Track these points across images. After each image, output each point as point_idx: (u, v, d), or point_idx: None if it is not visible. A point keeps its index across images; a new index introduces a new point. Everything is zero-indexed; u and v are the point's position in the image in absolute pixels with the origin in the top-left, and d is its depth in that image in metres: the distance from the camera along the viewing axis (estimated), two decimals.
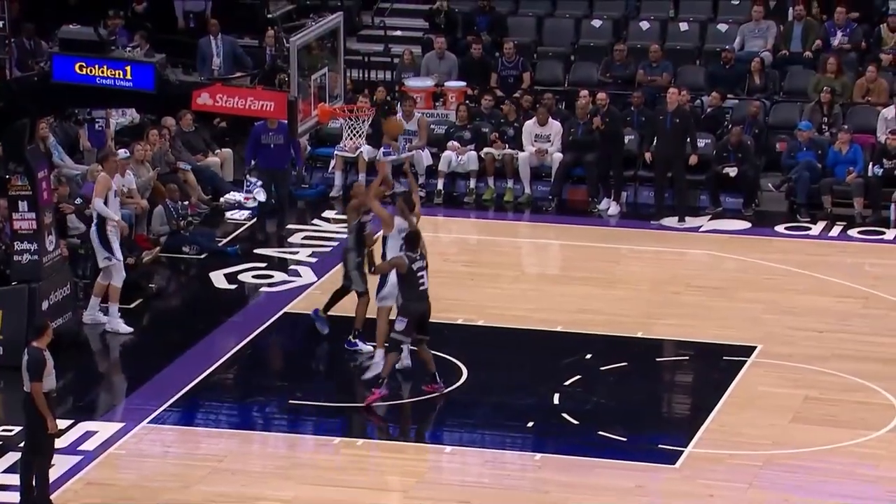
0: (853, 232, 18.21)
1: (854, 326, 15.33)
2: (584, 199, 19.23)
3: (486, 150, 19.54)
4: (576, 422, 13.36)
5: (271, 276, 17.01)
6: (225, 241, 17.88)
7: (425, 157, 19.62)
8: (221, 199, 18.80)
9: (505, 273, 17.00)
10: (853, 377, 14.13)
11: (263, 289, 16.62)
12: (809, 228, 18.38)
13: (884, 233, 18.16)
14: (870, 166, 18.58)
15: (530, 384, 14.10)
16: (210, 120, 19.74)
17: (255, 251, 17.69)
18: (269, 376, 14.83)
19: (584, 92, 19.44)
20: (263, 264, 17.30)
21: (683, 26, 21.16)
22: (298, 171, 18.29)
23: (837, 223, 18.40)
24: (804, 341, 14.96)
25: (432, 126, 19.97)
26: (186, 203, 18.03)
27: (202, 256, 17.50)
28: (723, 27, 21.02)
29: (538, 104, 19.72)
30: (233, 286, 16.78)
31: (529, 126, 19.55)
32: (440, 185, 19.51)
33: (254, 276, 16.98)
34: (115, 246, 14.91)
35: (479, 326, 15.57)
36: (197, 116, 19.11)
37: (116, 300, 15.00)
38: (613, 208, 19.03)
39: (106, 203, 14.90)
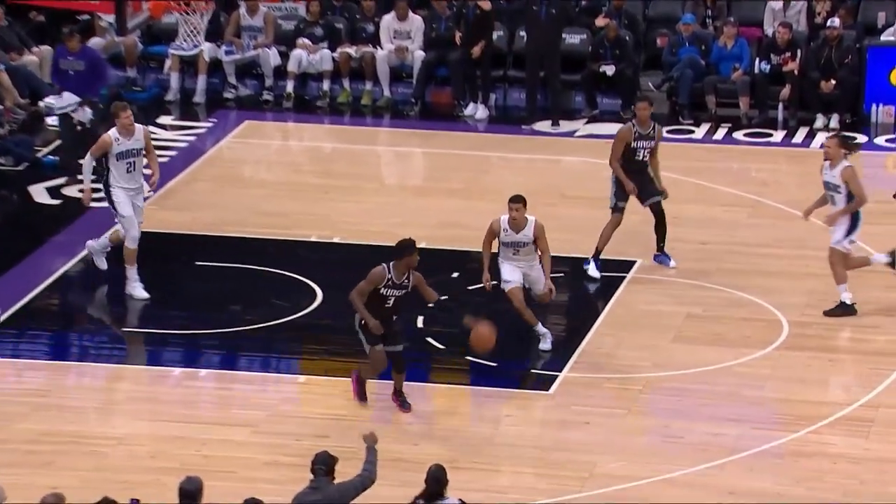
0: (739, 134, 18.47)
1: (740, 237, 15.60)
2: (448, 101, 19.20)
3: (340, 48, 19.36)
4: (442, 346, 13.42)
5: (100, 190, 16.73)
6: (46, 150, 17.50)
7: (273, 56, 19.37)
8: (41, 103, 18.32)
9: (363, 185, 16.94)
10: (738, 292, 14.39)
11: (92, 205, 16.37)
12: (693, 131, 18.60)
13: (771, 135, 18.46)
14: (756, 62, 18.84)
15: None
16: (25, 14, 19.21)
17: (82, 161, 17.37)
18: (98, 302, 14.61)
19: None
20: (92, 177, 17.00)
21: None
22: (95, 105, 17.52)
23: (722, 125, 18.66)
24: (687, 254, 15.15)
25: (280, 22, 19.70)
26: (1, 107, 17.57)
27: (19, 168, 17.12)
28: None
29: None
30: (56, 201, 16.46)
31: (388, 21, 19.39)
32: (290, 88, 19.30)
33: (80, 191, 16.69)
34: (121, 200, 14.18)
35: (335, 244, 15.51)
36: (9, 10, 18.58)
37: (131, 263, 14.28)
38: (481, 112, 19.04)
39: (107, 162, 14.13)
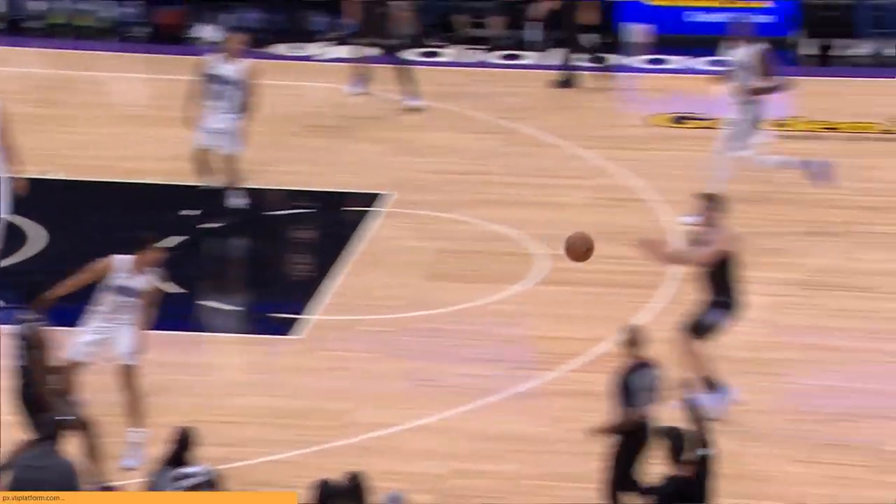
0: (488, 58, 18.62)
1: (492, 167, 15.75)
2: (182, 23, 18.94)
3: None
4: (175, 290, 13.28)
5: None
6: None
7: None
8: None
9: (80, 114, 16.62)
10: (492, 224, 14.54)
11: None
12: (437, 53, 18.75)
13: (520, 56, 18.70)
14: None
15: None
16: None
17: None
18: None
19: None
20: None
21: None
22: None
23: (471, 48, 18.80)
24: (439, 186, 15.27)
25: None
26: None
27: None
28: None
29: None
30: None
31: None
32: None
33: None
34: None
35: (59, 180, 15.20)
36: None
37: None
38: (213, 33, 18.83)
39: None
